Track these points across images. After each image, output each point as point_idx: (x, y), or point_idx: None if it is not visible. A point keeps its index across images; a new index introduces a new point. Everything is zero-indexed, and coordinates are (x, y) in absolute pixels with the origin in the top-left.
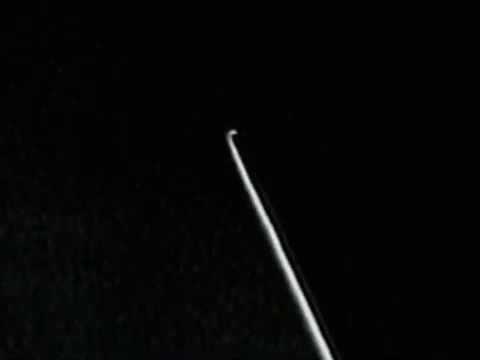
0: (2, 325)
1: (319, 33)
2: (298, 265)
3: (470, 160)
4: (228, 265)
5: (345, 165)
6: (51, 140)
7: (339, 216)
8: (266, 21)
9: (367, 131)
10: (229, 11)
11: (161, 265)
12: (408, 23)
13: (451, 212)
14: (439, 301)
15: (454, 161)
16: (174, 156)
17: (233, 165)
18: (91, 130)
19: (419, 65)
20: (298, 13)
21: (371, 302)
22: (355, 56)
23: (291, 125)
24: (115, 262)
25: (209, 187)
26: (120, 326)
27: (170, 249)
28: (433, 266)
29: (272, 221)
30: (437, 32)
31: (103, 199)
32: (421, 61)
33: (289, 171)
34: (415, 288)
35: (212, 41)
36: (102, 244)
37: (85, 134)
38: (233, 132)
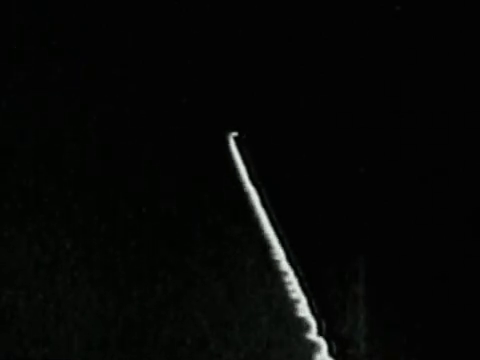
0: None
1: (318, 35)
2: (297, 262)
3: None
4: (227, 264)
5: (344, 165)
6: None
7: (338, 215)
8: (266, 23)
9: (366, 131)
10: (230, 12)
11: (159, 264)
12: (407, 25)
13: (451, 212)
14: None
15: (452, 162)
16: (175, 156)
17: (233, 165)
18: (91, 130)
19: (418, 67)
20: (298, 15)
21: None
22: (354, 58)
23: (291, 126)
24: (116, 261)
25: (209, 187)
26: (119, 327)
27: (169, 248)
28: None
29: (272, 220)
30: (436, 35)
31: (102, 200)
32: (420, 63)
33: (289, 171)
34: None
35: (212, 42)
36: (105, 244)
37: (83, 139)
38: (234, 133)
